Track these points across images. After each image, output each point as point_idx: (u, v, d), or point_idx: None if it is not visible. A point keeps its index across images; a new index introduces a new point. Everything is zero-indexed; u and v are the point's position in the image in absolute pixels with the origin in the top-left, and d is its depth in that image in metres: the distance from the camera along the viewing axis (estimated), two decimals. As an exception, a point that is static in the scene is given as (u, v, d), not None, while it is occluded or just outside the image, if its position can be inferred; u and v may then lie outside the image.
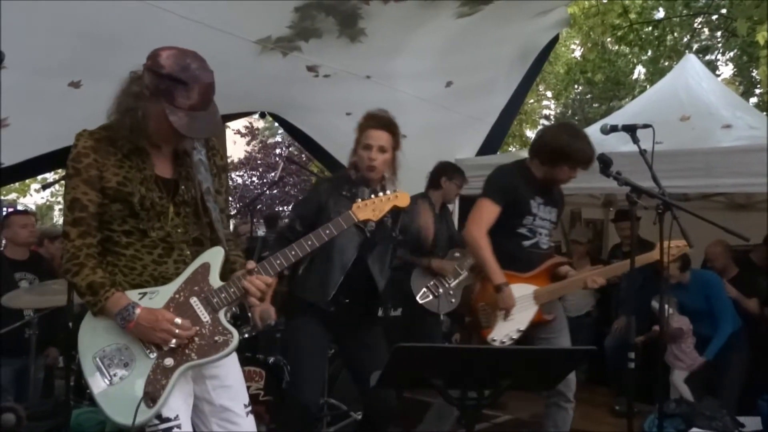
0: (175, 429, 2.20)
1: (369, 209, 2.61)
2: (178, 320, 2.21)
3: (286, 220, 3.39)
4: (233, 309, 4.27)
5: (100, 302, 2.18)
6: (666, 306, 5.37)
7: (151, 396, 2.14)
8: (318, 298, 3.29)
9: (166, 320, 2.18)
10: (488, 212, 3.66)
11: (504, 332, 3.65)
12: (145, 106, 2.19)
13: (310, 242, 2.42)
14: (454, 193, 5.42)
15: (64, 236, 2.24)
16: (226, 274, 2.37)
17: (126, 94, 2.22)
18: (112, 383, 2.16)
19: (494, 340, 3.63)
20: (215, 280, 2.31)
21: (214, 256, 2.34)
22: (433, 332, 5.26)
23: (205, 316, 2.27)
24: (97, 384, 2.16)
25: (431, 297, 5.14)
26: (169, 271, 2.31)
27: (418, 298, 5.13)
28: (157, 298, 2.25)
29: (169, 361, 2.21)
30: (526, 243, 3.73)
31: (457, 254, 5.20)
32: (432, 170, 5.40)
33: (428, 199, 5.22)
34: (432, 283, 5.16)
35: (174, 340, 2.20)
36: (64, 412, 3.90)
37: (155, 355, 2.20)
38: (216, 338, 2.27)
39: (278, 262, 2.37)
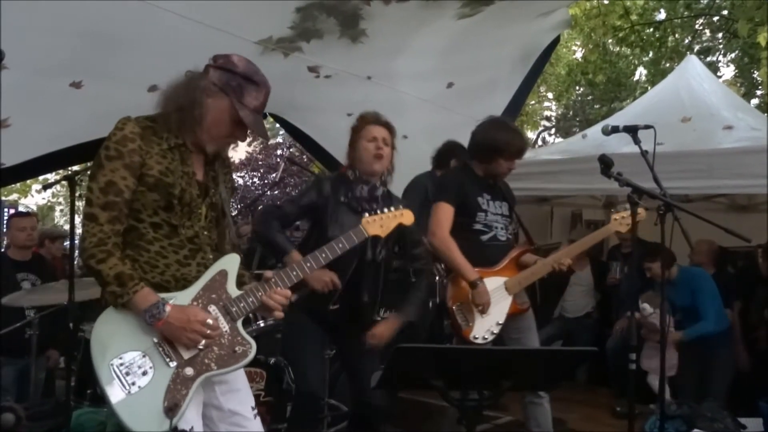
0: None
1: (377, 225, 2.68)
2: (210, 320, 2.17)
3: (274, 203, 3.39)
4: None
5: (127, 294, 2.10)
6: (646, 305, 5.40)
7: (171, 407, 2.10)
8: (317, 307, 3.31)
9: (198, 321, 2.14)
10: (446, 214, 3.74)
11: (485, 328, 3.70)
12: (211, 100, 2.23)
13: (324, 255, 2.47)
14: None
15: (89, 218, 2.14)
16: (238, 282, 2.36)
17: (189, 88, 2.24)
18: (131, 392, 2.08)
19: (476, 338, 3.68)
20: (233, 289, 2.29)
21: (231, 263, 2.33)
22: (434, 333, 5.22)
23: (224, 325, 2.25)
24: (115, 393, 2.07)
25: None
26: (191, 274, 2.28)
27: None
28: (178, 303, 2.20)
29: (189, 371, 2.16)
30: (484, 237, 3.80)
31: None
32: (439, 148, 5.24)
33: (433, 179, 5.10)
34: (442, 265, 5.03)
35: (203, 342, 2.16)
36: (64, 413, 3.89)
37: (175, 364, 2.15)
38: (236, 348, 2.25)
39: (294, 273, 2.39)
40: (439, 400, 2.95)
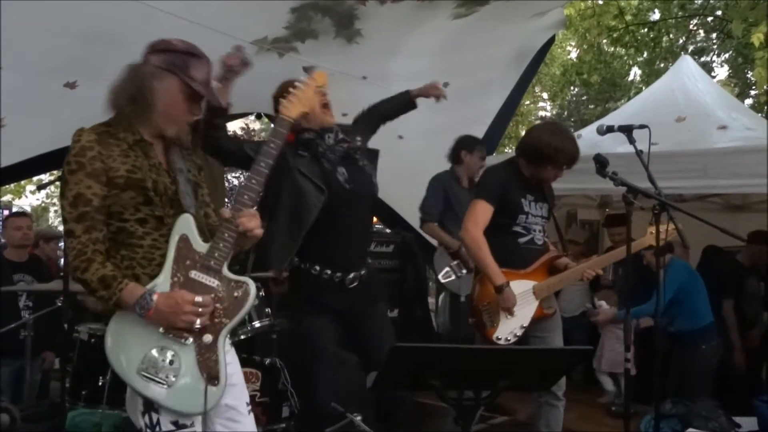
0: None
1: (297, 103, 2.51)
2: (199, 298, 2.16)
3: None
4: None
5: (114, 295, 2.11)
6: (603, 302, 5.44)
7: (211, 375, 2.16)
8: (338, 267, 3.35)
9: (187, 302, 2.14)
10: (483, 212, 3.69)
11: (508, 330, 3.67)
12: (158, 83, 2.21)
13: (263, 164, 2.34)
14: (478, 166, 5.25)
15: (68, 234, 2.17)
16: (204, 231, 2.33)
17: (134, 78, 2.22)
18: (169, 384, 2.12)
19: (499, 339, 3.65)
20: (200, 245, 2.27)
21: (186, 224, 2.28)
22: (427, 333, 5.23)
23: (213, 281, 2.24)
24: (157, 392, 2.11)
25: (453, 277, 5.02)
26: None
27: (440, 276, 5.05)
28: (160, 289, 2.19)
29: (207, 338, 2.19)
30: (522, 240, 3.75)
31: None
32: (452, 145, 5.33)
33: (454, 175, 5.21)
34: (455, 263, 5.04)
35: (199, 321, 2.16)
36: (59, 414, 3.88)
37: (191, 339, 2.17)
38: (235, 294, 2.26)
39: (246, 196, 2.31)
40: (435, 400, 2.95)
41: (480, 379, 2.51)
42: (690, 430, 4.51)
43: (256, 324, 4.40)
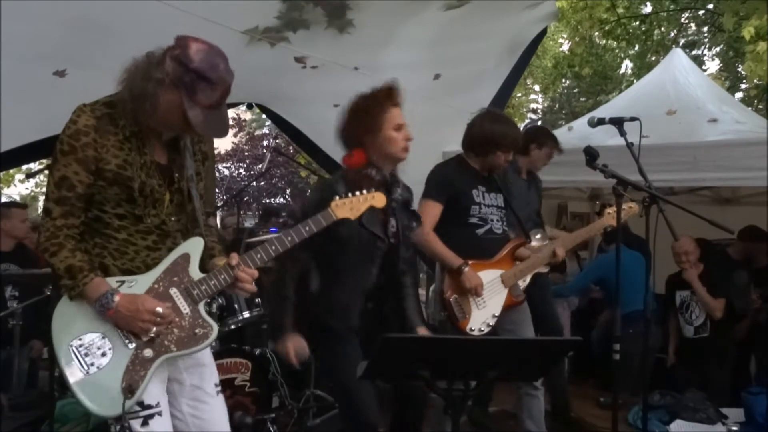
0: (156, 416, 2.20)
1: (347, 208, 2.58)
2: (160, 309, 2.17)
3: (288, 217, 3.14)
4: (220, 300, 4.25)
5: (78, 287, 2.13)
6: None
7: (129, 387, 2.14)
8: (339, 324, 3.00)
9: (147, 310, 2.15)
10: (429, 211, 3.74)
11: (481, 320, 3.72)
12: (162, 93, 2.15)
13: (290, 238, 2.41)
14: (543, 163, 4.87)
15: (45, 212, 2.18)
16: (204, 260, 2.36)
17: (143, 77, 2.15)
18: (89, 373, 2.13)
19: (472, 330, 3.69)
20: (195, 272, 2.29)
21: (194, 247, 2.32)
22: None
23: (185, 307, 2.26)
24: (74, 373, 2.13)
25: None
26: (162, 258, 2.28)
27: None
28: (136, 287, 2.21)
29: (148, 353, 2.19)
30: (480, 231, 3.80)
31: (538, 236, 4.49)
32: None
33: (515, 165, 4.66)
34: None
35: (154, 329, 2.17)
36: (48, 403, 3.87)
37: (134, 345, 2.18)
38: (196, 330, 2.26)
39: (259, 256, 2.36)
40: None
41: (469, 370, 2.52)
42: (677, 421, 4.55)
43: (246, 314, 4.41)
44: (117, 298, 2.13)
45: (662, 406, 4.79)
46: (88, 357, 2.14)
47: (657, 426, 4.62)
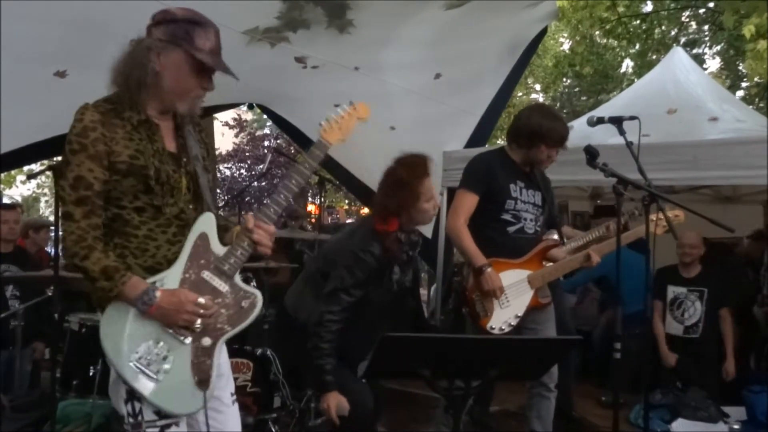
0: (174, 427, 2.17)
1: (335, 130, 2.51)
2: (201, 300, 2.13)
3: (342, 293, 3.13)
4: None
5: (116, 287, 2.06)
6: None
7: (202, 380, 2.13)
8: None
9: (190, 301, 2.11)
10: (465, 202, 3.69)
11: (502, 319, 3.64)
12: (163, 59, 2.13)
13: (294, 181, 2.33)
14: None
15: (65, 217, 2.10)
16: (222, 235, 2.30)
17: (135, 55, 2.13)
18: (159, 380, 2.08)
19: (493, 329, 3.61)
20: (218, 248, 2.24)
21: (208, 224, 2.26)
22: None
23: (223, 286, 2.21)
24: (145, 386, 2.07)
25: None
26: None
27: None
28: (168, 283, 2.16)
29: (206, 341, 2.16)
30: (511, 229, 3.72)
31: (554, 236, 4.45)
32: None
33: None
34: None
35: (199, 321, 2.14)
36: (50, 404, 3.88)
37: (190, 339, 2.15)
38: (242, 304, 2.24)
39: (272, 209, 2.31)
40: (425, 390, 2.94)
41: (469, 369, 2.52)
42: (679, 420, 4.55)
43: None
44: (158, 293, 2.09)
45: (664, 404, 4.80)
46: (151, 366, 2.09)
47: (659, 425, 4.62)
